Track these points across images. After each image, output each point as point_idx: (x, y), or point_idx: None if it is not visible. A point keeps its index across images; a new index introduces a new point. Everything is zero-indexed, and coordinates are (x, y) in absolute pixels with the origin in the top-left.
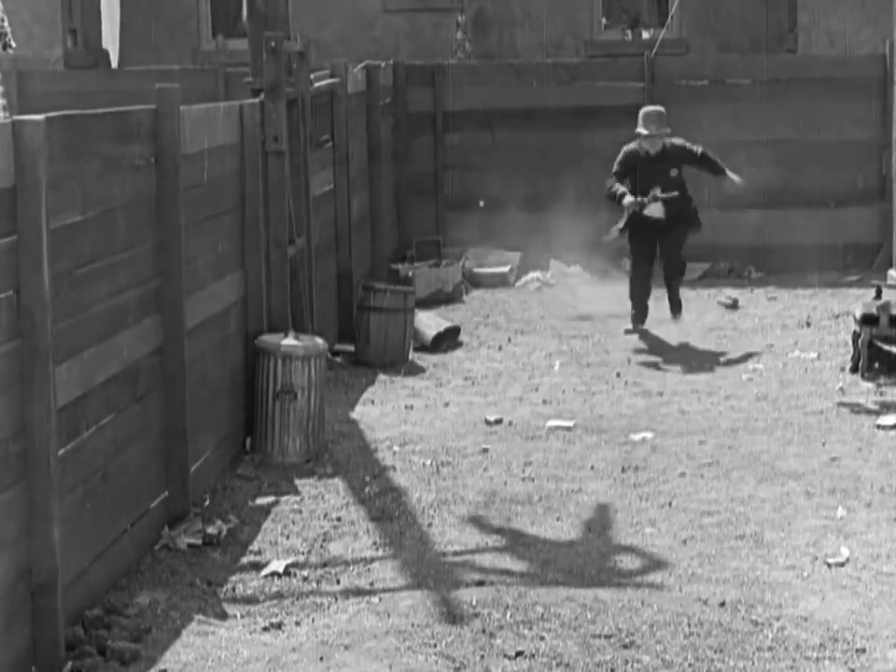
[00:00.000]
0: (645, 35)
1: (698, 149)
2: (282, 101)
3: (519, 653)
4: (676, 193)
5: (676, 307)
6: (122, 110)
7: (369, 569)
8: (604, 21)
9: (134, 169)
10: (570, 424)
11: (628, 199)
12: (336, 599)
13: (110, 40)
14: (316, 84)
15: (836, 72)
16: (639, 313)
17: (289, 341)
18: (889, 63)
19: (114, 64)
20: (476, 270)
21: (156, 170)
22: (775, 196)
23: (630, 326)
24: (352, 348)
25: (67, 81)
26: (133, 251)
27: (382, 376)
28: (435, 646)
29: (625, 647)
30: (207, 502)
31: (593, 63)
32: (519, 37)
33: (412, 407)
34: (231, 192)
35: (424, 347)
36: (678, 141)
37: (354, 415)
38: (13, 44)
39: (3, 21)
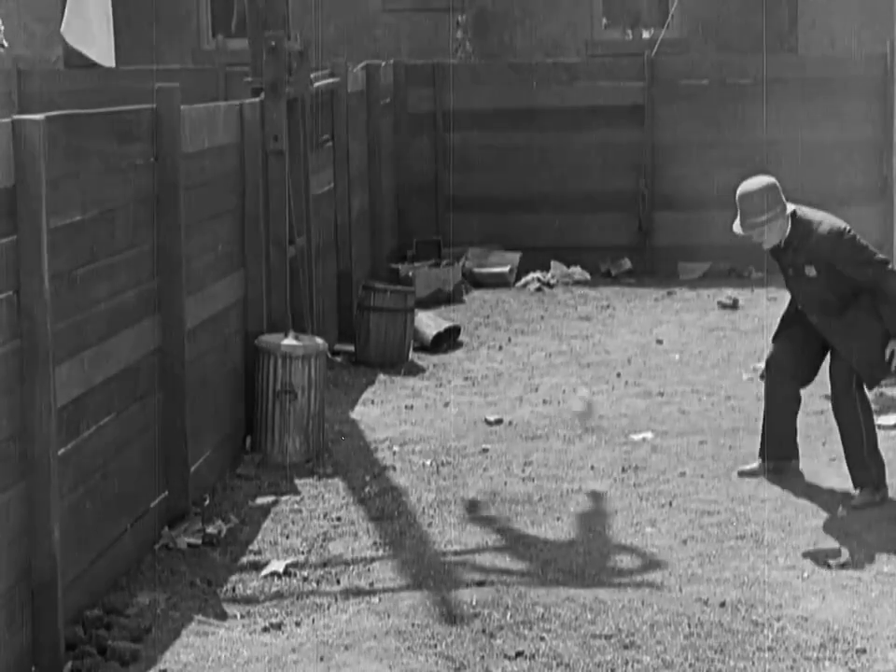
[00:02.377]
0: (645, 34)
1: (856, 253)
2: (282, 100)
3: (519, 654)
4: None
5: (857, 476)
6: (122, 110)
7: (369, 569)
8: (604, 20)
9: (134, 168)
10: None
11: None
12: (336, 599)
13: (102, 39)
14: (316, 84)
15: (836, 72)
16: (770, 446)
17: (289, 341)
18: (890, 62)
19: (113, 64)
20: (476, 270)
21: (156, 169)
22: None
23: (753, 465)
24: (352, 348)
25: (67, 81)
26: (133, 251)
27: (382, 376)
28: (435, 646)
29: (626, 647)
30: (207, 502)
31: (593, 63)
32: (519, 37)
33: (412, 407)
34: (231, 192)
35: (424, 347)
36: (823, 228)
37: (354, 415)
38: (5, 43)
39: None
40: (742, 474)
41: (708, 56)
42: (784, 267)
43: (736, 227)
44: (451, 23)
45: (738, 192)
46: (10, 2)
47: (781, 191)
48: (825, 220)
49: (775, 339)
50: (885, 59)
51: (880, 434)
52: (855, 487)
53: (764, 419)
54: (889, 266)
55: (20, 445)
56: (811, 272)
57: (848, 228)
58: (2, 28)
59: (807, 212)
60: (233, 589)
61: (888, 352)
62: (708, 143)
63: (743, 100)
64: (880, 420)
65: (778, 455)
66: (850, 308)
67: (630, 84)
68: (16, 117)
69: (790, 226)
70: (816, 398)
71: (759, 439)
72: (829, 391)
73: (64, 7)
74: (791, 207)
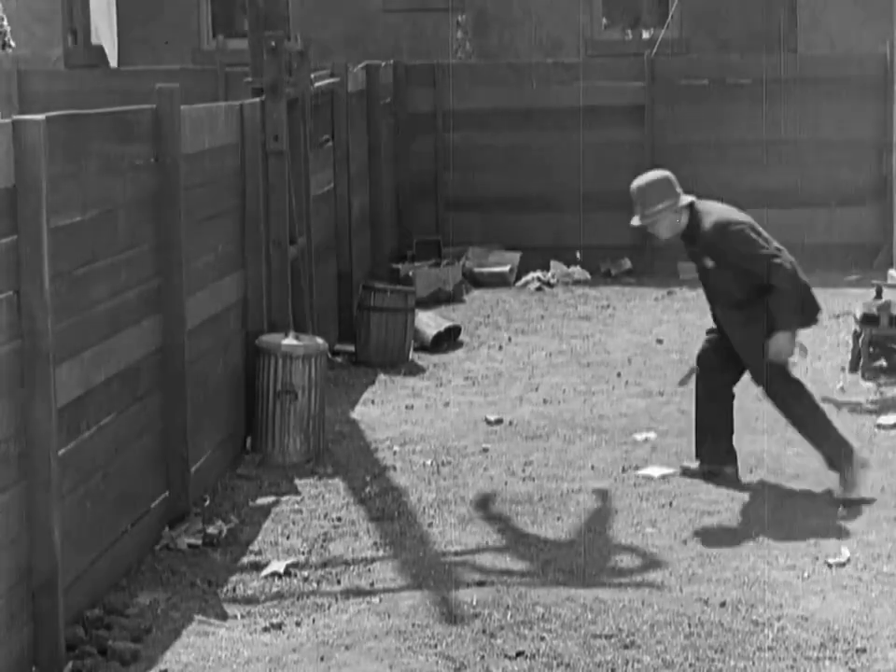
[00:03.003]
0: (645, 34)
1: (740, 246)
2: (282, 101)
3: (519, 653)
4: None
5: (827, 461)
6: (123, 110)
7: (369, 569)
8: (604, 20)
9: (135, 169)
10: (670, 471)
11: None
12: (336, 599)
13: (107, 38)
14: (317, 84)
15: (836, 71)
16: (701, 445)
17: (289, 340)
18: (890, 62)
19: (113, 64)
20: (476, 269)
21: (156, 170)
22: (775, 196)
23: (693, 465)
24: (352, 348)
25: (67, 81)
26: (134, 251)
27: (382, 376)
28: (435, 646)
29: (626, 647)
30: (208, 502)
31: (593, 63)
32: (519, 37)
33: (412, 407)
34: (231, 192)
35: (424, 347)
36: (710, 220)
37: (354, 415)
38: (12, 43)
39: (2, 20)
40: (685, 472)
41: (708, 56)
42: (691, 258)
43: (634, 220)
44: (451, 23)
45: (632, 186)
46: (11, 2)
47: (676, 184)
48: (715, 212)
49: (707, 333)
50: (885, 58)
51: (880, 433)
52: (829, 468)
53: (697, 429)
54: (777, 260)
55: (20, 445)
56: (709, 262)
57: (737, 220)
58: (8, 28)
59: (706, 204)
60: (234, 589)
61: (768, 344)
62: (708, 143)
63: (743, 100)
64: (880, 419)
65: (712, 458)
66: (756, 305)
67: (630, 84)
68: (16, 117)
69: (688, 217)
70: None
71: (755, 438)
72: (824, 392)
73: (64, 7)
74: (688, 199)
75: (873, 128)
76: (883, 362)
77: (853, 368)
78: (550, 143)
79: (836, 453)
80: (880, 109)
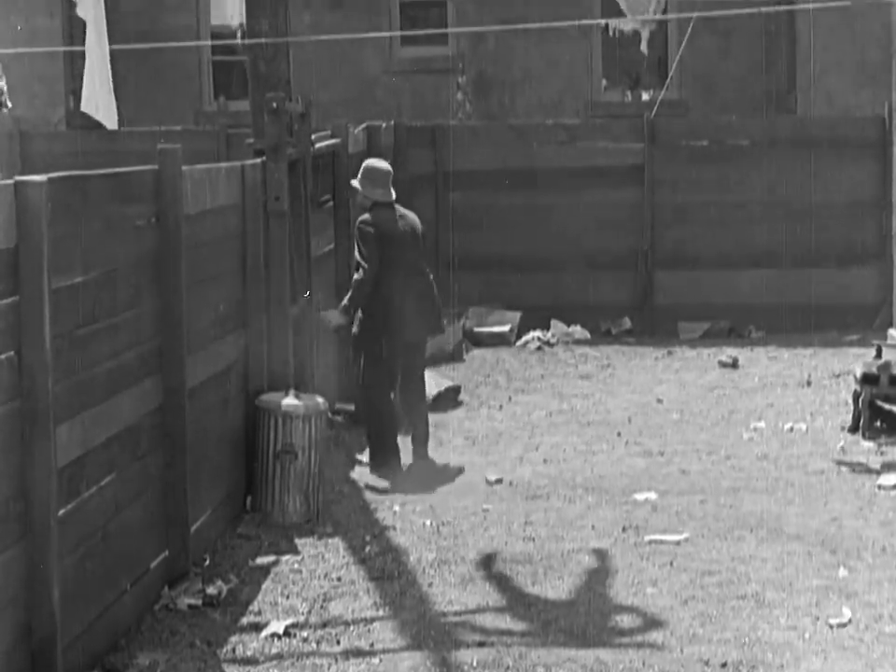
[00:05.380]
0: (645, 95)
1: (356, 242)
2: (283, 161)
3: None
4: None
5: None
6: (124, 171)
7: (369, 630)
8: (604, 81)
9: (136, 229)
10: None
11: None
12: (336, 660)
13: (104, 102)
14: (318, 145)
15: (835, 133)
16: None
17: (290, 400)
18: (888, 124)
19: (115, 125)
20: (476, 329)
21: (158, 230)
22: (774, 255)
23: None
24: (352, 407)
25: (69, 141)
26: (135, 311)
27: None
28: None
29: None
30: (207, 562)
31: (593, 124)
32: (519, 98)
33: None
34: (232, 252)
35: None
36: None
37: (354, 475)
38: (9, 104)
39: (0, 79)
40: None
41: (707, 117)
42: None
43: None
44: (451, 85)
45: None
46: (13, 62)
47: (386, 181)
48: (373, 211)
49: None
50: (883, 120)
51: (880, 493)
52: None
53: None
54: (362, 264)
55: (19, 506)
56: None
57: (366, 221)
58: (5, 88)
59: (393, 208)
60: (233, 650)
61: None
62: (708, 203)
63: (742, 160)
64: (881, 479)
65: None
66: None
67: (630, 145)
68: (18, 178)
69: (369, 209)
70: (816, 457)
71: (756, 498)
72: (824, 452)
73: (66, 69)
74: (384, 197)
75: (871, 188)
76: (882, 423)
77: (854, 428)
78: (550, 203)
79: (382, 460)
80: (879, 170)
